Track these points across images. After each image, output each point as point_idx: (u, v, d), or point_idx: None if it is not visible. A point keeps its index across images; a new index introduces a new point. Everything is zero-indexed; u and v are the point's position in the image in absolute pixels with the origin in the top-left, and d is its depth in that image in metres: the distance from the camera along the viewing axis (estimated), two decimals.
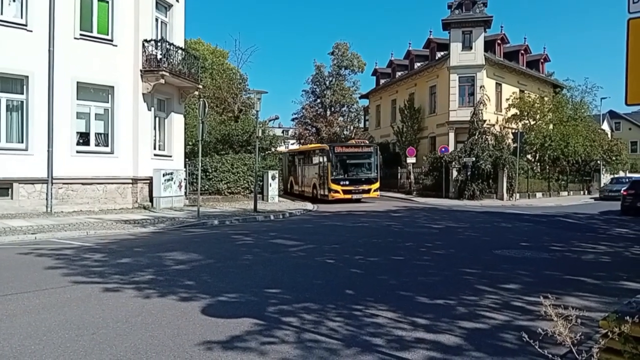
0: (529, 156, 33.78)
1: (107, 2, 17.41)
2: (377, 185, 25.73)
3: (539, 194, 32.19)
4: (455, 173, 29.01)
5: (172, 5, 20.05)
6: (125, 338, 4.49)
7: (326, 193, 24.95)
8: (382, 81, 45.37)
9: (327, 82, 54.94)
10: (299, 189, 29.98)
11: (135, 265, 8.02)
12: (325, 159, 25.56)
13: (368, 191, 25.23)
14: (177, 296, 6.03)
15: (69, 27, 16.30)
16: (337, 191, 24.41)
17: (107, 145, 17.53)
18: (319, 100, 55.05)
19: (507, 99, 34.66)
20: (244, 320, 5.00)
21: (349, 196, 24.70)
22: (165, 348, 4.25)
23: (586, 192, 38.58)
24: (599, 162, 40.17)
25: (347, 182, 24.73)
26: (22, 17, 15.56)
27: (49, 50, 15.80)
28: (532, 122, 34.21)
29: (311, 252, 9.62)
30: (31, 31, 15.58)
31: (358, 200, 25.41)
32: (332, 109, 54.79)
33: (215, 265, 8.17)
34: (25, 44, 15.49)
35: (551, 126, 35.07)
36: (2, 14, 15.24)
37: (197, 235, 12.29)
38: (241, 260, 8.69)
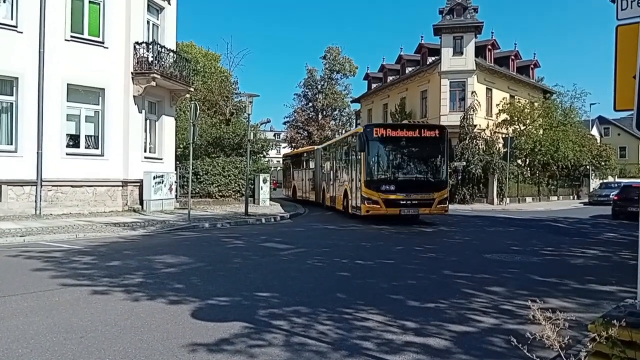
0: (519, 161, 34.01)
1: (99, 4, 17.34)
2: (445, 193, 16.63)
3: (529, 199, 32.42)
4: None
5: (164, 8, 20.01)
6: (114, 342, 4.45)
7: (358, 204, 16.61)
8: (374, 86, 45.50)
9: (319, 86, 55.11)
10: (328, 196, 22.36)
11: (125, 269, 7.97)
12: (356, 151, 16.89)
13: (430, 203, 16.00)
14: (167, 300, 5.99)
15: (60, 29, 16.21)
16: (375, 201, 15.70)
17: (98, 148, 17.43)
18: (311, 104, 55.19)
19: (498, 105, 34.90)
20: (234, 324, 4.98)
21: (395, 210, 15.81)
22: (155, 352, 4.22)
23: (576, 197, 38.90)
24: (588, 167, 40.52)
25: (394, 188, 15.80)
26: (12, 19, 15.45)
27: (40, 52, 15.70)
28: (523, 128, 34.47)
29: (302, 256, 9.61)
30: (22, 33, 15.48)
31: (413, 219, 17.33)
32: (324, 113, 54.93)
33: (205, 269, 8.13)
34: (16, 45, 15.39)
35: (541, 131, 35.36)
36: None
37: (188, 238, 12.23)
38: (232, 264, 8.66)
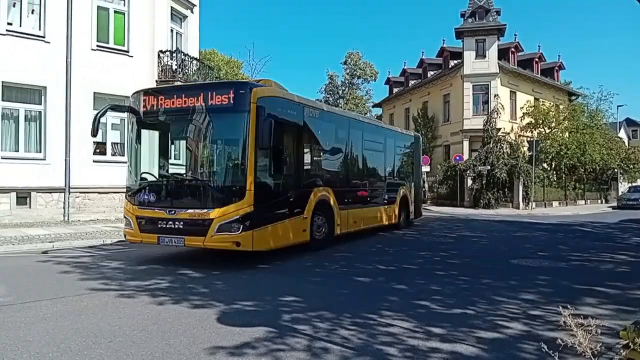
0: (545, 165, 33.47)
1: (124, 14, 17.68)
2: (241, 208, 8.34)
3: (555, 203, 31.85)
4: (470, 182, 28.83)
5: (187, 17, 20.31)
6: (141, 346, 4.51)
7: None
8: (395, 90, 45.37)
9: (340, 92, 55.23)
10: None
11: (152, 273, 8.07)
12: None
13: (202, 229, 8.36)
14: (192, 304, 6.04)
15: (86, 39, 16.57)
16: (128, 222, 9.38)
17: (124, 155, 17.70)
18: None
19: (522, 108, 34.42)
20: (258, 329, 5.00)
21: (153, 238, 8.86)
22: (182, 356, 4.26)
23: (604, 201, 38.11)
24: (616, 170, 39.67)
25: (154, 198, 9.01)
26: (40, 29, 15.85)
27: (67, 62, 16.05)
28: (548, 131, 33.91)
29: (324, 261, 9.60)
30: (49, 43, 15.86)
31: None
32: None
33: (229, 274, 8.19)
34: (44, 55, 15.77)
35: (567, 134, 34.75)
36: (21, 26, 15.56)
37: None
38: (256, 269, 8.71)
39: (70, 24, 16.14)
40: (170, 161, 10.48)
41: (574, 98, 40.46)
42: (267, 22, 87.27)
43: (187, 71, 18.80)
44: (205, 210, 8.44)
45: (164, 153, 9.90)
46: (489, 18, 33.53)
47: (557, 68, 40.51)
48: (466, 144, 33.14)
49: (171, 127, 9.75)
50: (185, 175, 9.78)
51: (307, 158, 11.02)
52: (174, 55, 18.53)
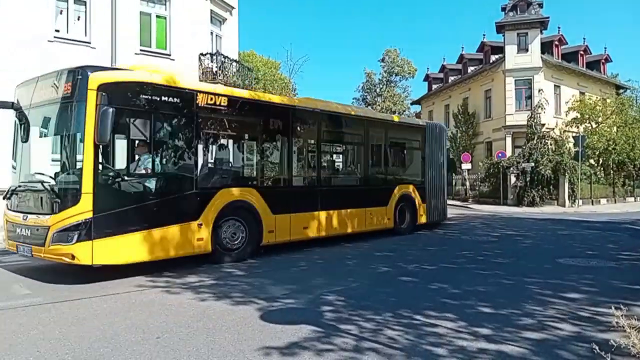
0: (591, 161, 32.33)
1: (165, 18, 18.09)
2: (71, 215, 6.98)
3: (603, 200, 30.73)
4: (513, 179, 28.12)
5: (226, 19, 20.62)
6: (187, 342, 4.60)
7: None
8: (434, 86, 44.79)
9: (378, 89, 54.82)
10: None
11: (195, 271, 8.19)
12: None
13: (43, 236, 7.16)
14: (235, 301, 6.14)
15: (129, 43, 17.00)
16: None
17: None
18: (369, 108, 54.99)
19: (567, 102, 33.37)
20: (301, 327, 5.02)
21: (12, 246, 7.98)
22: (227, 353, 4.33)
23: None
24: None
25: (16, 200, 8.17)
26: (86, 35, 16.38)
27: (111, 66, 16.51)
28: (594, 125, 32.75)
29: (364, 260, 9.56)
30: (94, 48, 16.35)
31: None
32: None
33: (270, 271, 8.27)
34: (90, 60, 16.20)
35: (615, 129, 33.48)
36: (67, 32, 16.12)
37: None
38: (296, 266, 8.76)
39: (115, 30, 16.61)
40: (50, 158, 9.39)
41: (621, 91, 38.95)
42: (304, 21, 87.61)
43: (226, 73, 19.08)
44: (45, 217, 7.26)
45: (26, 151, 8.48)
46: (531, 11, 32.70)
47: (603, 60, 39.14)
48: (508, 140, 32.43)
49: (31, 122, 8.35)
50: (33, 177, 8.18)
51: (208, 153, 9.67)
52: (214, 57, 18.83)
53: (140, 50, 17.31)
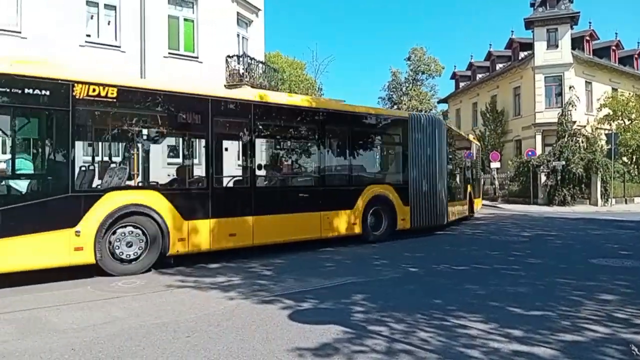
0: (624, 158, 31.48)
1: (192, 21, 18.34)
2: None
3: (637, 199, 29.90)
4: (543, 178, 27.59)
5: (252, 21, 20.78)
6: (218, 341, 4.64)
7: None
8: (461, 84, 44.29)
9: (404, 88, 54.43)
10: None
11: (223, 270, 8.30)
12: None
13: None
14: (263, 300, 6.17)
15: (158, 46, 17.29)
16: None
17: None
18: (395, 107, 54.62)
19: (599, 99, 32.59)
20: (330, 327, 5.00)
21: None
22: (256, 352, 4.35)
23: None
24: None
25: None
26: (116, 39, 16.73)
27: (141, 69, 16.82)
28: (628, 122, 31.87)
29: (393, 260, 9.49)
30: (124, 52, 16.69)
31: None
32: None
33: (296, 270, 8.27)
34: (119, 64, 16.60)
35: None
36: (98, 37, 16.48)
37: None
38: (323, 267, 8.76)
39: (144, 34, 16.92)
40: None
41: None
42: (330, 20, 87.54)
43: (253, 74, 19.23)
44: None
45: None
46: (561, 6, 32.05)
47: (636, 55, 38.05)
48: (538, 138, 31.84)
49: None
50: None
51: (86, 152, 8.65)
52: (241, 59, 19.00)
53: (169, 53, 17.60)
